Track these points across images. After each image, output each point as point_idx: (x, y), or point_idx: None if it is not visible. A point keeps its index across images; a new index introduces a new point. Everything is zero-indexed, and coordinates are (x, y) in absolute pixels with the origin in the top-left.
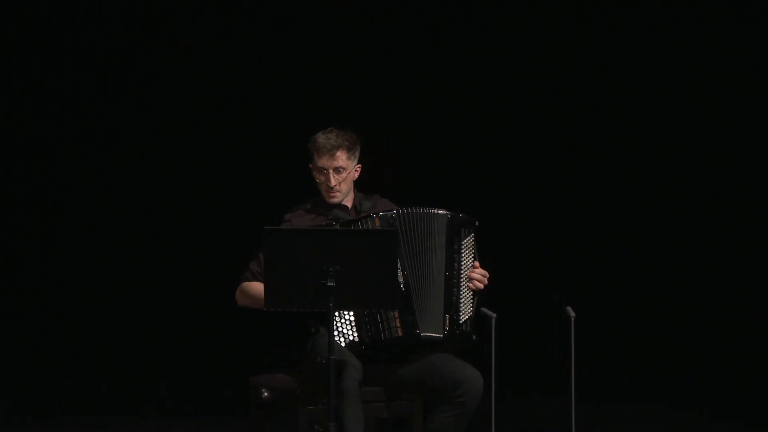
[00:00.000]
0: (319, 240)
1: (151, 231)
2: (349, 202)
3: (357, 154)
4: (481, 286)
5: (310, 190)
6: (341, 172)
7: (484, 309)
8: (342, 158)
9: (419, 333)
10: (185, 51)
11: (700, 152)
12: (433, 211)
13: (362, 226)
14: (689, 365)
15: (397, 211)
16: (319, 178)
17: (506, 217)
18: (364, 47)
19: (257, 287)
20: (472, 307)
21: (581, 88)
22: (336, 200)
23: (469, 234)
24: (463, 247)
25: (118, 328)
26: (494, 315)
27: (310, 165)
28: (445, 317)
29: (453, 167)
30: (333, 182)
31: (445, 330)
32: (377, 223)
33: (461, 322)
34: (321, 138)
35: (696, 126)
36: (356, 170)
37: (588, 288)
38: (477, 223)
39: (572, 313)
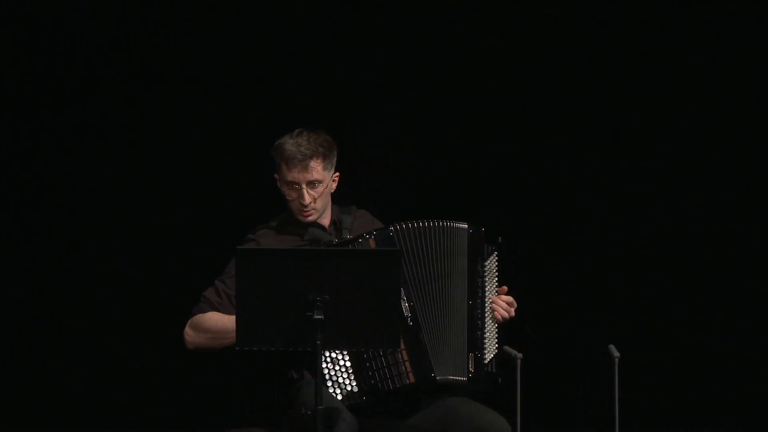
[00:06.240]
0: (305, 263)
1: (99, 256)
2: (326, 219)
3: (334, 161)
4: (507, 316)
5: (276, 205)
6: (316, 186)
7: (507, 348)
8: (317, 169)
9: (434, 377)
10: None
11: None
12: (452, 224)
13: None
14: (750, 412)
15: (397, 227)
16: (290, 195)
17: (532, 236)
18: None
19: (216, 318)
20: (497, 342)
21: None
22: (311, 219)
23: (492, 253)
24: (486, 269)
25: (68, 365)
26: (520, 355)
27: (276, 176)
28: (469, 356)
29: (463, 173)
30: (307, 199)
31: (470, 373)
32: (372, 245)
33: (486, 362)
34: (289, 145)
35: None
36: (334, 180)
37: (633, 323)
38: (500, 239)
39: (616, 353)
